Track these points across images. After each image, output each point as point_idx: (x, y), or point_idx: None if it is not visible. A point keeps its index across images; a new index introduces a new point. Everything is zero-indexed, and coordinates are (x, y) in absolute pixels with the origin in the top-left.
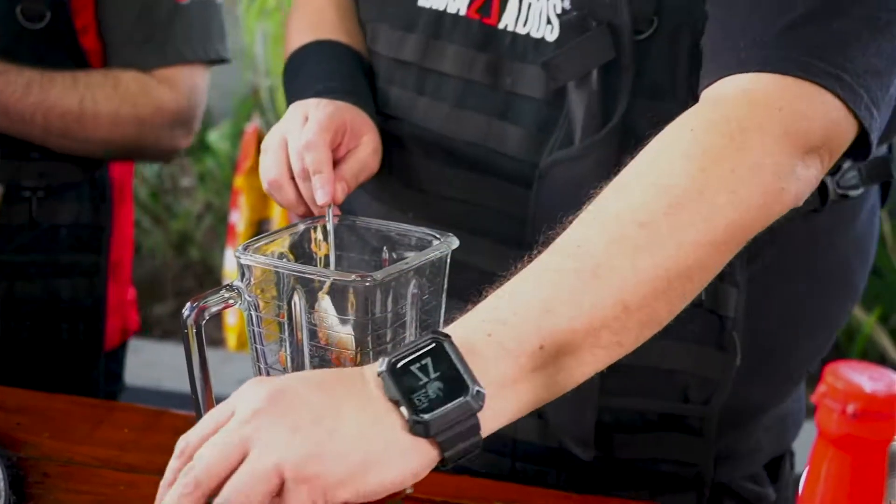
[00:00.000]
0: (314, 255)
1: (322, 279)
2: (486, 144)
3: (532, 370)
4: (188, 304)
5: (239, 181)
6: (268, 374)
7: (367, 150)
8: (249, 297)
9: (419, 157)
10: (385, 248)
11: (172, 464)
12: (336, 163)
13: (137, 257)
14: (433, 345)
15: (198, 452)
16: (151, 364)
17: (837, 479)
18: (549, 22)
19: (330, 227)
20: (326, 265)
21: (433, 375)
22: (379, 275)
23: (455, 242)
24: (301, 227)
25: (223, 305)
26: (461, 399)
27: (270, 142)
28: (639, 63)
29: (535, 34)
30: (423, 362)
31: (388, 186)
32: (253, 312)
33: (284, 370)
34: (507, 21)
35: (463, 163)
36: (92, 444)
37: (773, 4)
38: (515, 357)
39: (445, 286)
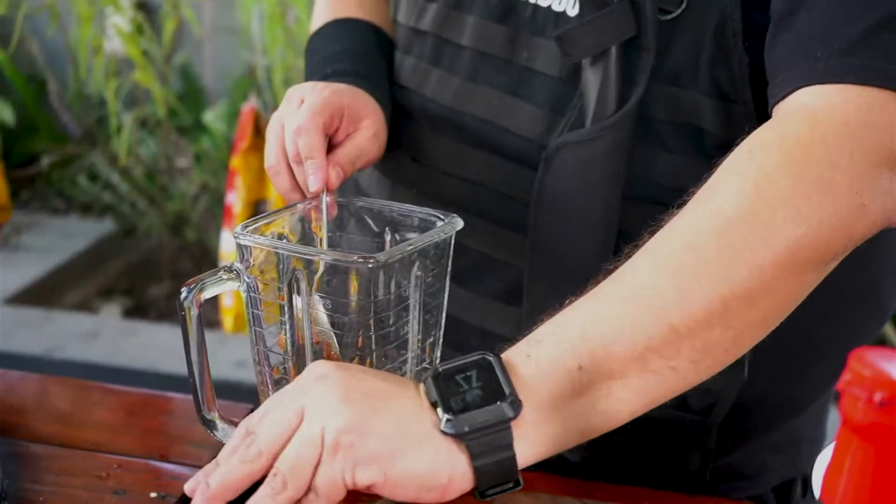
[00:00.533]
0: (314, 236)
1: (322, 261)
2: (496, 121)
3: (572, 394)
4: (185, 286)
5: (235, 162)
6: (266, 357)
7: (365, 135)
8: (248, 278)
9: (427, 132)
10: (387, 229)
11: (234, 441)
12: (333, 148)
13: (133, 238)
14: (480, 358)
15: (260, 425)
16: (147, 346)
17: (862, 469)
18: None
19: (324, 213)
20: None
21: (475, 385)
22: (382, 256)
23: (459, 224)
24: (300, 207)
25: (222, 287)
26: (496, 404)
27: (270, 128)
28: (661, 45)
29: (557, 7)
30: (469, 373)
31: (395, 160)
32: (252, 294)
33: (284, 353)
34: None
35: (470, 140)
36: (86, 428)
37: (834, 17)
38: (551, 376)
39: (449, 268)
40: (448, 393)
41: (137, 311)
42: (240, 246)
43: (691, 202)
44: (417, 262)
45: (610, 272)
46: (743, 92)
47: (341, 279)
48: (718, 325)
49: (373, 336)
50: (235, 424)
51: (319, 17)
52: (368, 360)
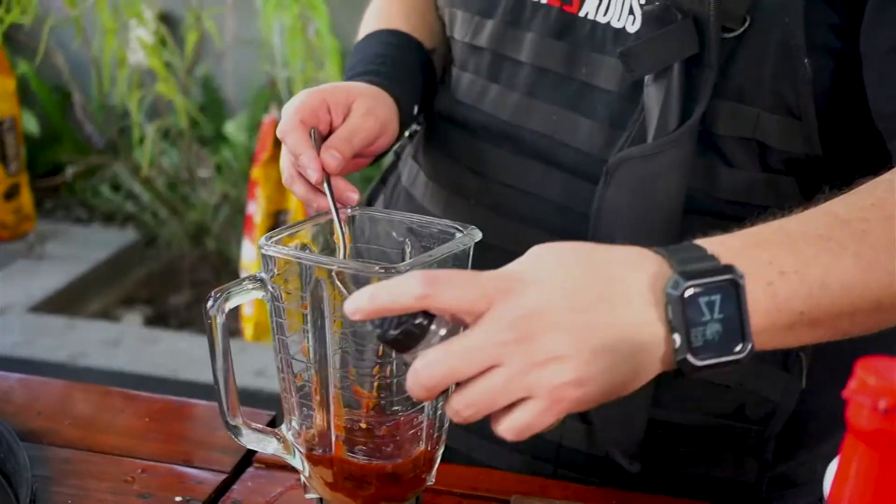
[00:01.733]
0: (336, 247)
1: (344, 271)
2: (554, 136)
3: (782, 330)
4: (211, 295)
5: (256, 172)
6: (290, 365)
7: (357, 115)
8: (272, 288)
9: (486, 145)
10: (407, 239)
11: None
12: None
13: (154, 248)
14: (728, 282)
15: (437, 357)
16: (168, 354)
17: (867, 476)
18: (631, 12)
19: (330, 200)
20: (349, 256)
21: (717, 316)
22: (403, 266)
23: (478, 235)
24: (323, 218)
25: (247, 296)
26: (734, 356)
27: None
28: (724, 61)
29: (616, 24)
30: (713, 298)
31: (453, 171)
32: (276, 304)
33: (307, 361)
34: (588, 9)
35: (529, 153)
36: (112, 433)
37: None
38: (780, 314)
39: None
40: (690, 320)
41: (159, 319)
42: (264, 256)
43: None
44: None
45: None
46: (806, 107)
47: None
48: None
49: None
50: (260, 430)
51: (366, 28)
52: (388, 369)
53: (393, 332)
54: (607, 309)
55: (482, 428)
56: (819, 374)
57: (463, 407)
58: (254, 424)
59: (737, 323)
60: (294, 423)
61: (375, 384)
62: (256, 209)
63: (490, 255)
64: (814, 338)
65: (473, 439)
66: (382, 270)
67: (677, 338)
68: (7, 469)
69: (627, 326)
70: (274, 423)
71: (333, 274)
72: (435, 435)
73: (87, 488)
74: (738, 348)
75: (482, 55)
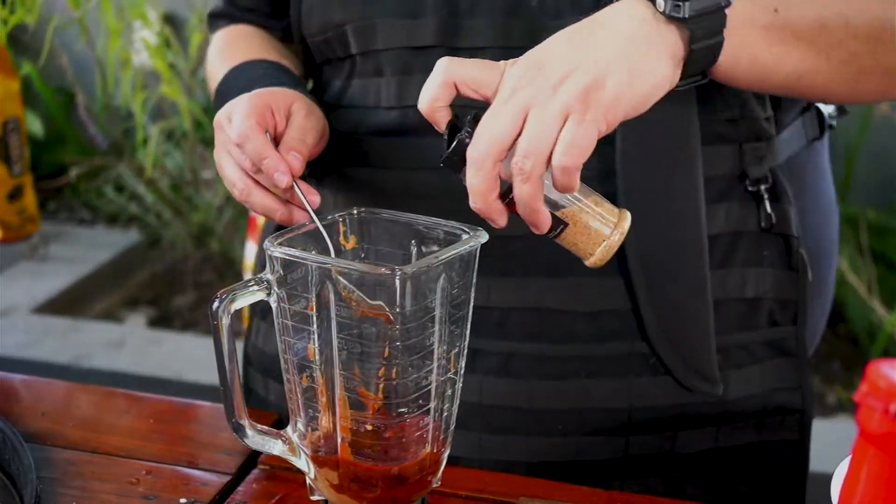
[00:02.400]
0: (342, 248)
1: (350, 272)
2: None
3: (764, 27)
4: (217, 297)
5: None
6: (295, 366)
7: (300, 115)
8: (278, 289)
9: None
10: (413, 241)
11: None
12: (279, 142)
13: (158, 249)
14: None
15: (477, 133)
16: (172, 355)
17: (877, 479)
18: None
19: (304, 201)
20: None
21: None
22: (409, 268)
23: (484, 237)
24: (329, 219)
25: (252, 298)
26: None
27: (219, 160)
28: None
29: None
30: None
31: (434, 176)
32: (281, 305)
33: (312, 362)
34: None
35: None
36: (117, 434)
37: None
38: (753, 4)
39: (474, 281)
40: None
41: (162, 320)
42: (270, 257)
43: None
44: (443, 275)
45: None
46: None
47: (368, 290)
48: (883, 46)
49: (399, 346)
50: (265, 432)
51: (217, 74)
52: (394, 370)
53: (447, 153)
54: (598, 25)
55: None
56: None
57: (523, 160)
58: (259, 426)
59: None
60: (299, 425)
61: (381, 386)
62: None
63: (518, 244)
64: (800, 54)
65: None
66: (388, 272)
67: (661, 1)
68: (11, 470)
69: (617, 23)
70: (278, 425)
71: (336, 275)
72: (441, 437)
73: (92, 490)
74: None
75: (431, 53)
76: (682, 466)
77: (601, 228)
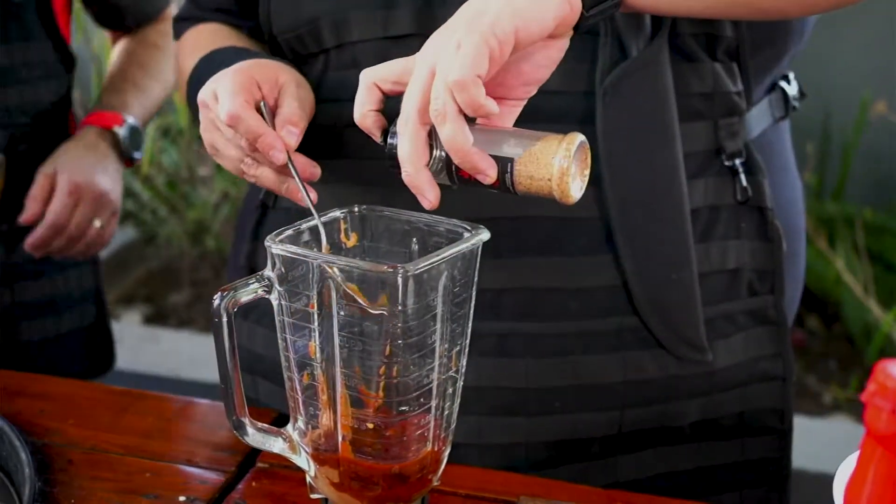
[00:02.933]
0: (342, 245)
1: (351, 270)
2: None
3: None
4: (218, 294)
5: None
6: (296, 364)
7: (292, 86)
8: (279, 286)
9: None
10: (414, 239)
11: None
12: (272, 114)
13: (154, 246)
14: None
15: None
16: (168, 353)
17: (885, 479)
18: None
19: (297, 179)
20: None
21: None
22: (411, 266)
23: (486, 235)
24: (331, 216)
25: (253, 295)
26: None
27: (211, 141)
28: None
29: None
30: None
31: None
32: (282, 302)
33: (313, 360)
34: None
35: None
36: (116, 432)
37: None
38: None
39: (476, 279)
40: None
41: (158, 318)
42: (271, 254)
43: None
44: (445, 273)
45: None
46: None
47: (370, 287)
48: None
49: (400, 344)
50: (265, 430)
51: (187, 67)
52: (395, 369)
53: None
54: None
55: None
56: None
57: (434, 101)
58: (259, 424)
59: None
60: (300, 423)
61: (382, 384)
62: None
63: (506, 226)
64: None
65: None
66: (391, 270)
67: None
68: (10, 467)
69: None
70: (277, 422)
71: (335, 271)
72: (442, 435)
73: (91, 488)
74: None
75: (408, 42)
76: (674, 439)
77: (547, 146)
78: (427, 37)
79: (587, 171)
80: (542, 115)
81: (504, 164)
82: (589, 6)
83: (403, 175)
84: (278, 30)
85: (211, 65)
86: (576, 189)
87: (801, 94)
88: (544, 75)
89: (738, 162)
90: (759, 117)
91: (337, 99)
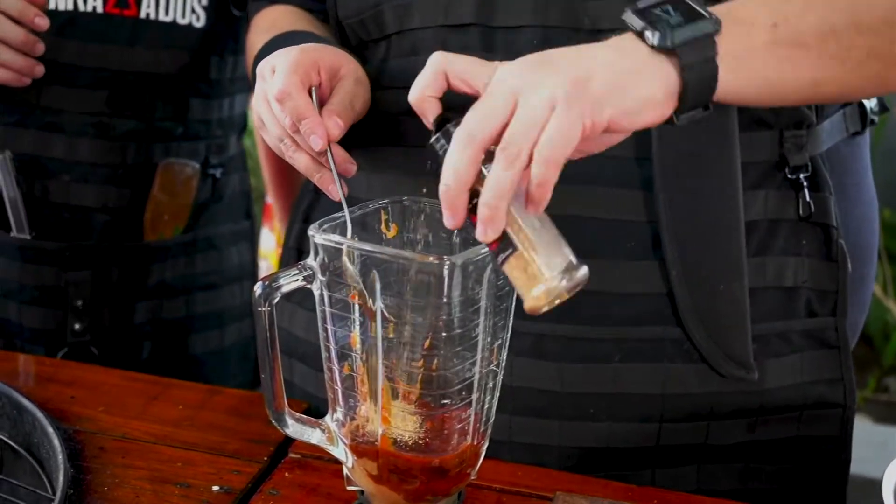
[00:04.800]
0: (383, 236)
1: (398, 261)
2: None
3: (764, 44)
4: (259, 283)
5: None
6: (338, 354)
7: (350, 79)
8: (321, 276)
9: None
10: (455, 231)
11: (461, 158)
12: (323, 103)
13: None
14: None
15: (466, 117)
16: None
17: None
18: None
19: (334, 171)
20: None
21: (674, 14)
22: (458, 258)
23: None
24: (371, 206)
25: (295, 285)
26: (700, 22)
27: (258, 110)
28: None
29: None
30: (665, 7)
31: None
32: (325, 292)
33: (354, 351)
34: None
35: None
36: (147, 420)
37: None
38: (750, 25)
39: None
40: (652, 20)
41: None
42: (314, 244)
43: None
44: (490, 265)
45: None
46: None
47: (413, 280)
48: (888, 38)
49: (443, 337)
50: (304, 421)
51: (256, 46)
52: (437, 361)
53: (433, 135)
54: (593, 46)
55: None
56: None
57: (509, 144)
58: (297, 415)
59: (694, 11)
60: (338, 414)
61: (424, 376)
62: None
63: (569, 224)
64: (811, 64)
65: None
66: (437, 261)
67: (649, 34)
68: (42, 455)
69: (611, 46)
70: (308, 413)
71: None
72: (481, 429)
73: (124, 476)
74: (703, 21)
75: (468, 32)
76: (716, 458)
77: (544, 271)
78: (487, 28)
79: (565, 297)
80: None
81: (506, 244)
82: (681, 112)
83: (442, 188)
84: (343, 14)
85: (281, 43)
86: (544, 306)
87: (883, 107)
88: (592, 150)
89: (802, 176)
90: (831, 131)
91: (395, 87)
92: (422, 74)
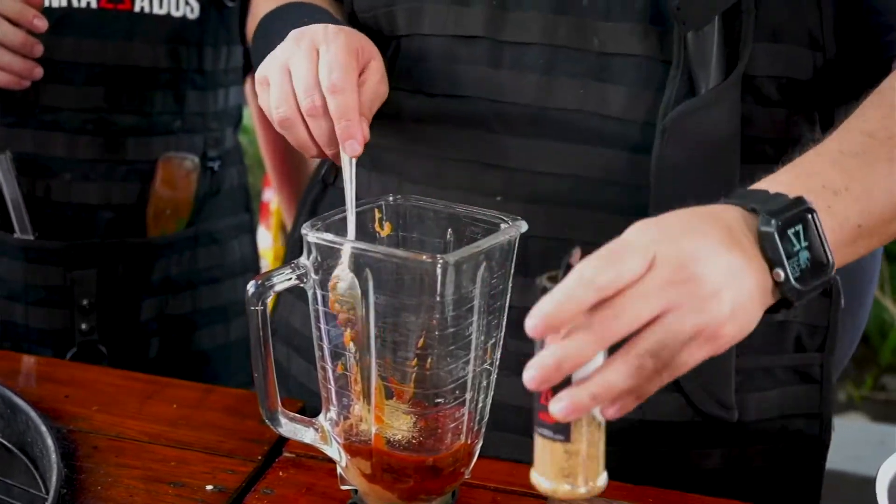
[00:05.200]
0: (376, 235)
1: (389, 259)
2: (585, 109)
3: (845, 245)
4: (252, 282)
5: None
6: (331, 353)
7: (375, 78)
8: (315, 275)
9: (505, 136)
10: (449, 229)
11: (574, 290)
12: None
13: None
14: (806, 212)
15: (619, 303)
16: None
17: None
18: None
19: (351, 171)
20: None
21: (803, 245)
22: (451, 257)
23: (524, 226)
24: (365, 205)
25: (288, 284)
26: (825, 277)
27: (273, 75)
28: (759, 5)
29: None
30: (797, 228)
31: (470, 170)
32: (318, 291)
33: (348, 350)
34: None
35: (556, 133)
36: (141, 419)
37: None
38: (843, 229)
39: (512, 271)
40: (787, 252)
41: None
42: (307, 243)
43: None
44: (484, 264)
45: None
46: (830, 40)
47: (407, 278)
48: None
49: (437, 336)
50: (298, 420)
51: (262, 11)
52: (430, 360)
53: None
54: (740, 248)
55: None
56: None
57: (646, 355)
58: (291, 414)
59: (820, 247)
60: (332, 413)
61: (417, 375)
62: (272, 196)
63: (538, 245)
64: (869, 247)
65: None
66: (430, 260)
67: (780, 271)
68: (35, 453)
69: (747, 266)
70: (303, 412)
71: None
72: (475, 428)
73: (117, 475)
74: (826, 269)
75: (476, 44)
76: (693, 485)
77: (581, 480)
78: (495, 42)
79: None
80: (598, 138)
81: (559, 430)
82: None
83: (531, 321)
84: (358, 8)
85: (275, 20)
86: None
87: None
88: None
89: None
90: None
91: (401, 88)
92: (566, 280)
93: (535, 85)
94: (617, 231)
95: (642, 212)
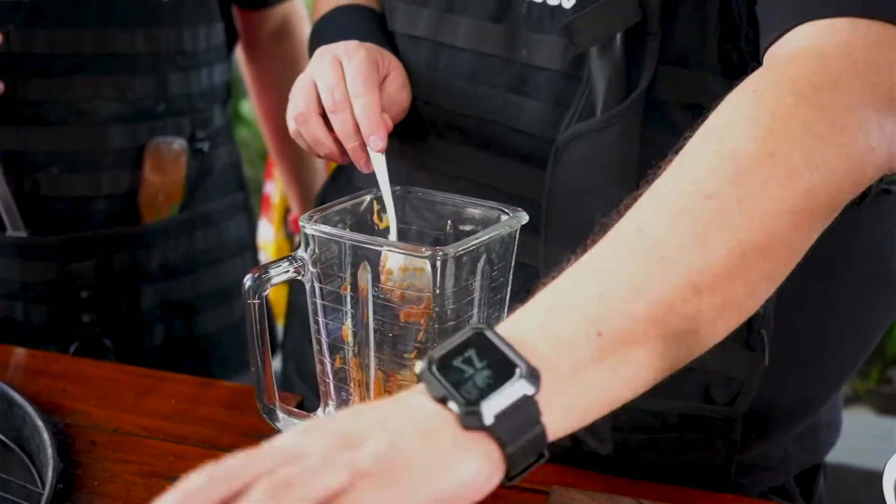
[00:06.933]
0: (376, 227)
1: (390, 252)
2: (501, 121)
3: (593, 360)
4: (249, 275)
5: None
6: (329, 347)
7: (394, 86)
8: (312, 268)
9: (433, 137)
10: (449, 221)
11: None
12: None
13: None
14: (473, 335)
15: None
16: None
17: None
18: None
19: (384, 174)
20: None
21: (479, 365)
22: (451, 249)
23: (525, 218)
24: (366, 197)
25: (285, 277)
26: (513, 381)
27: (298, 86)
28: (666, 28)
29: (552, 1)
30: (467, 354)
31: (404, 167)
32: (316, 284)
33: (346, 344)
34: None
35: (476, 142)
36: (139, 414)
37: None
38: (570, 346)
39: (513, 263)
40: (454, 383)
41: None
42: (305, 235)
43: (694, 148)
44: (484, 256)
45: (612, 226)
46: (750, 66)
47: (407, 271)
48: (738, 280)
49: (436, 329)
50: (295, 414)
51: (322, 10)
52: None
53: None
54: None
55: None
56: (784, 351)
57: None
58: (289, 408)
59: (504, 358)
60: (330, 408)
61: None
62: (274, 189)
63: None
64: (662, 350)
65: None
66: (430, 252)
67: (453, 405)
68: (31, 448)
69: (411, 421)
70: (302, 407)
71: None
72: None
73: (115, 470)
74: (519, 377)
75: (421, 45)
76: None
77: None
78: (434, 44)
79: None
80: (509, 150)
81: None
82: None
83: None
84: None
85: (332, 23)
86: None
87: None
88: None
89: None
90: None
91: None
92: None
93: (459, 91)
94: (521, 246)
95: (534, 229)
